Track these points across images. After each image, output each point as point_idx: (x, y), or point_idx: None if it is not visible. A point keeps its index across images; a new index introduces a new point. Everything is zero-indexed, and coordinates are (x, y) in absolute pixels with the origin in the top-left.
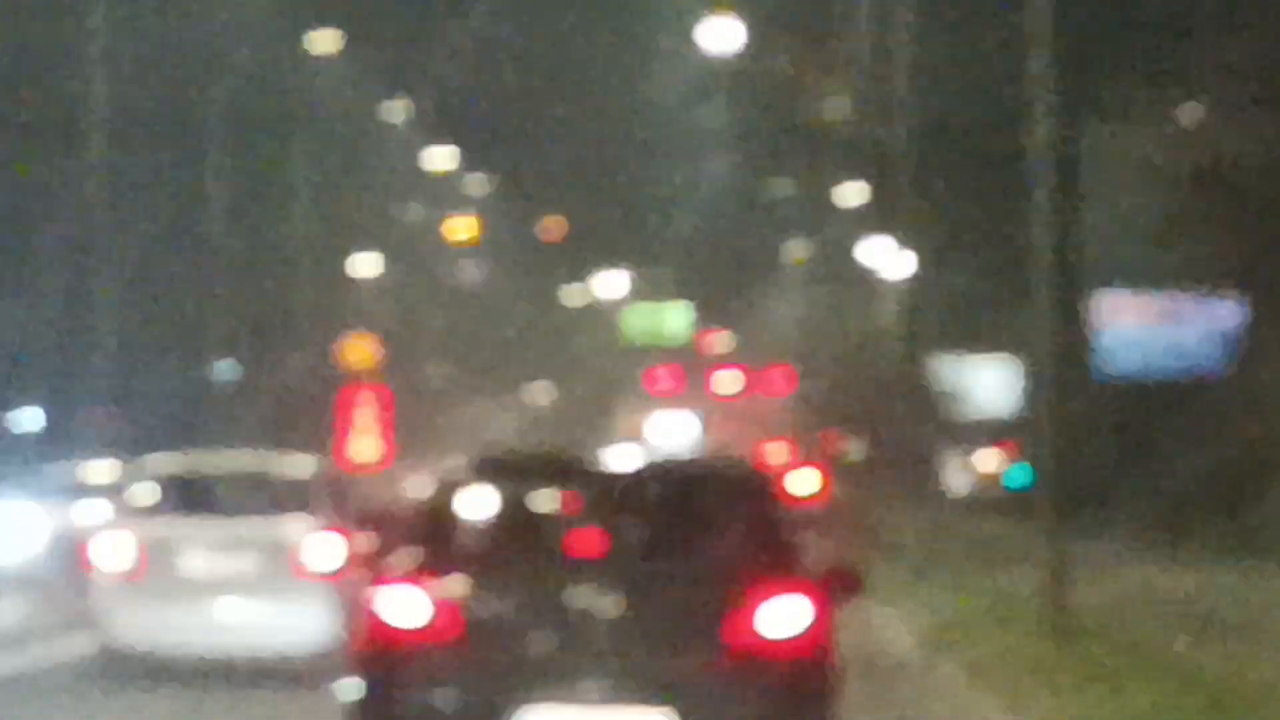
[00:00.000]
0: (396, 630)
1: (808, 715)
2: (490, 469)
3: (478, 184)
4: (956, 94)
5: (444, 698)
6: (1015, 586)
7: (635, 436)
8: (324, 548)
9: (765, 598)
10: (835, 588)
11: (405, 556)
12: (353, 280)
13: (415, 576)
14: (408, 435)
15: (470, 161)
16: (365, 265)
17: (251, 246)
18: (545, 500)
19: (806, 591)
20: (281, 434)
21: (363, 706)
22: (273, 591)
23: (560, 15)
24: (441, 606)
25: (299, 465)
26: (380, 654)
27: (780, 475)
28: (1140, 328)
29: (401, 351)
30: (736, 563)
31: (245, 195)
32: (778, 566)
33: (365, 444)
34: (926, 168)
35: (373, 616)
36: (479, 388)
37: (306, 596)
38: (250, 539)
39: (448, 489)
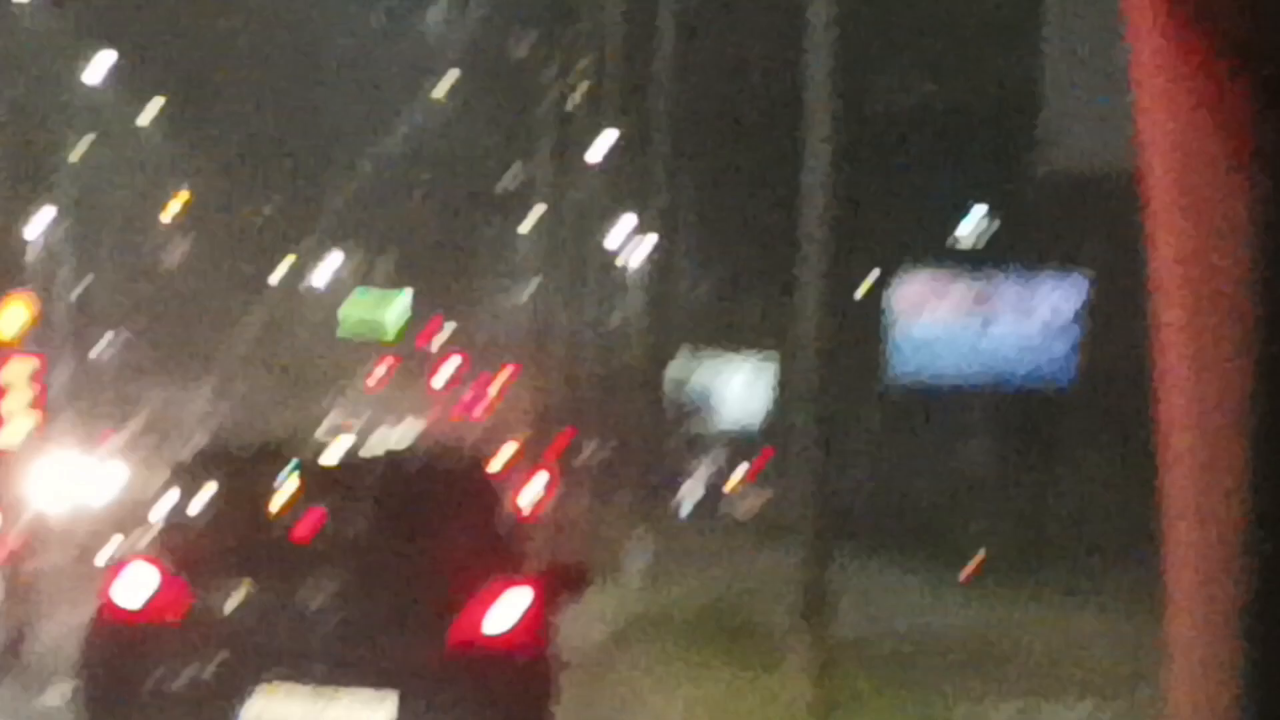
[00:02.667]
0: (125, 613)
1: (524, 705)
2: (212, 456)
3: (176, 146)
4: (714, 75)
5: (175, 680)
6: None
7: (350, 429)
8: None
9: (488, 592)
10: (558, 584)
11: (129, 540)
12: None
13: (142, 560)
14: (70, 412)
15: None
16: (36, 218)
17: None
18: (271, 488)
19: (527, 587)
20: None
21: (91, 693)
22: None
23: None
24: (167, 589)
25: None
26: (109, 639)
27: (505, 473)
28: (947, 320)
29: (76, 321)
30: (462, 557)
31: None
32: (501, 563)
33: (12, 422)
34: (679, 145)
35: (103, 600)
36: (165, 367)
37: None
38: None
39: (172, 475)
